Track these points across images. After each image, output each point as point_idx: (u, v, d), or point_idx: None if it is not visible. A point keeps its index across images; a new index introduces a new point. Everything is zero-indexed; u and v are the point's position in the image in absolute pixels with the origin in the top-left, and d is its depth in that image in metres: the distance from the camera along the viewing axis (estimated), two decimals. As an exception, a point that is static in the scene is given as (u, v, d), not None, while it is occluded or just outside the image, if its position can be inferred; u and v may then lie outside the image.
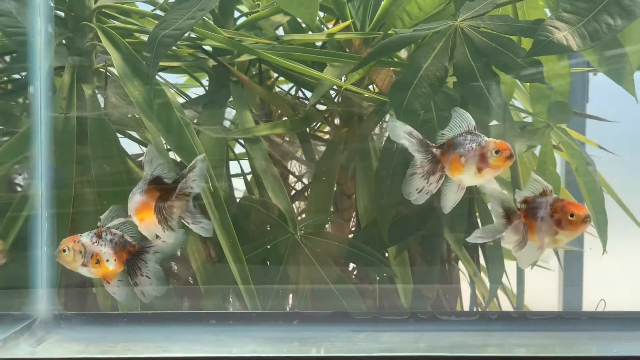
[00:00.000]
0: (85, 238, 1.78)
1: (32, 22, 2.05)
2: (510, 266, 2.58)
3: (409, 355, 1.53)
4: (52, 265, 1.91)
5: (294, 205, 2.68)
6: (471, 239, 1.76)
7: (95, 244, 1.77)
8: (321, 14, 2.67)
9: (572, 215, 1.64)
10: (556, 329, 1.79)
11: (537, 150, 2.55)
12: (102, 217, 1.82)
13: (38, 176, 1.97)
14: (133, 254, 1.79)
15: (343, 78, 2.50)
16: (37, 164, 1.98)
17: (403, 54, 2.57)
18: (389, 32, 2.34)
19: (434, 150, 1.73)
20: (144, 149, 2.61)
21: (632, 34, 2.35)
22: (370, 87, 2.65)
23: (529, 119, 2.60)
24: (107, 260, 1.76)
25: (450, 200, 1.75)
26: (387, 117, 2.52)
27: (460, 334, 1.78)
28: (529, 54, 2.09)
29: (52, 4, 2.11)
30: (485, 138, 1.70)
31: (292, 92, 2.79)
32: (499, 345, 1.68)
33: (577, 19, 2.05)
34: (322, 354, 1.53)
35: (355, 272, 2.63)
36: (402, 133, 1.73)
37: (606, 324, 1.81)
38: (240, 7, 2.69)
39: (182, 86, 2.80)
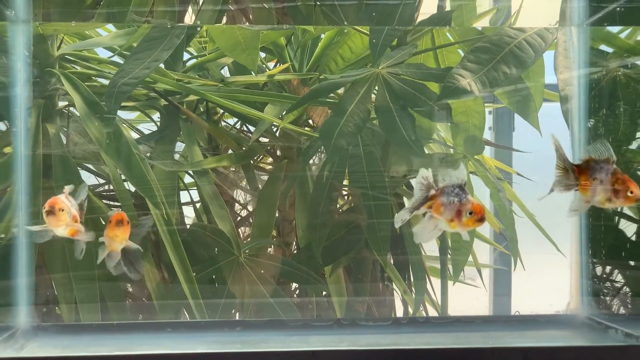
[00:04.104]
0: (66, 201, 2.23)
1: (14, 69, 2.57)
2: (436, 282, 3.21)
3: (332, 349, 2.13)
4: (30, 285, 2.50)
5: (239, 230, 3.25)
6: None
7: (72, 207, 2.25)
8: (263, 54, 3.25)
9: (631, 192, 2.08)
10: (454, 330, 2.42)
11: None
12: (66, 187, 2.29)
13: (20, 207, 2.53)
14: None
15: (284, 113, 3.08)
16: (19, 195, 2.52)
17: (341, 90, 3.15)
18: (320, 77, 2.96)
19: (432, 191, 2.10)
20: (102, 180, 3.17)
21: (534, 75, 3.01)
22: (310, 121, 3.25)
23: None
24: (80, 221, 2.27)
25: (423, 234, 2.17)
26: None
27: (376, 336, 2.37)
28: (439, 97, 2.69)
29: (27, 53, 2.68)
30: (468, 197, 2.06)
31: (237, 125, 3.34)
32: (406, 344, 2.28)
33: (479, 68, 2.66)
34: (259, 349, 2.12)
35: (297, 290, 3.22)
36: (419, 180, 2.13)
37: (495, 325, 2.46)
38: (189, 48, 3.28)
39: (133, 121, 3.36)
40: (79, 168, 2.89)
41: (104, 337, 2.38)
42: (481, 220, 2.06)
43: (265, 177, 3.17)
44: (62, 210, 2.21)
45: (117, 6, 2.71)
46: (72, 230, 2.27)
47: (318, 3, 2.77)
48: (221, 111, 3.22)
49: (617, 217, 2.84)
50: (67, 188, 2.30)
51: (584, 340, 2.38)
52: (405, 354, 2.09)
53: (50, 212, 2.20)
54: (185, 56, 3.15)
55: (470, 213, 2.05)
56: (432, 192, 2.11)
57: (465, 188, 2.09)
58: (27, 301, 2.48)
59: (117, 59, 3.00)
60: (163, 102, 3.05)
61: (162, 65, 2.86)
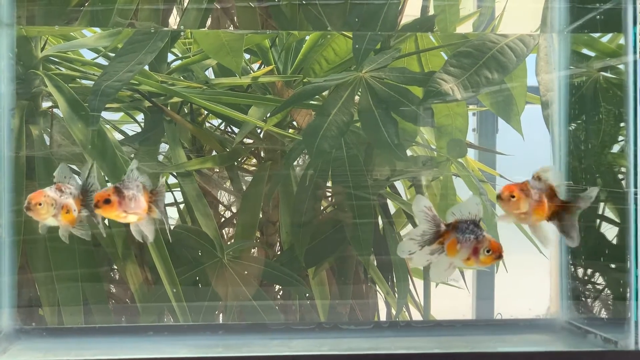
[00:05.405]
0: (52, 193, 2.25)
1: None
2: (419, 283, 3.23)
3: (313, 354, 2.15)
4: (13, 288, 2.51)
5: (223, 231, 3.27)
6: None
7: (63, 197, 2.26)
8: (247, 56, 3.26)
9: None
10: (435, 334, 2.45)
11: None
12: (55, 174, 2.30)
13: (3, 206, 2.54)
14: (82, 202, 2.32)
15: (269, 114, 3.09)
16: (2, 196, 2.53)
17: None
18: (304, 80, 2.97)
19: (443, 226, 2.07)
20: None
21: (516, 78, 3.03)
22: (294, 122, 3.26)
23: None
24: (74, 210, 2.27)
25: (438, 274, 2.13)
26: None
27: (357, 340, 2.40)
28: (421, 101, 2.73)
29: (11, 55, 2.67)
30: (484, 233, 2.04)
31: (222, 127, 3.37)
32: (387, 348, 2.31)
33: (461, 73, 2.69)
34: (241, 354, 2.14)
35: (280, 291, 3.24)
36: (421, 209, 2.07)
37: (475, 329, 2.49)
38: (173, 49, 3.27)
39: (117, 122, 3.35)
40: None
41: (86, 341, 2.40)
42: (499, 257, 2.07)
43: (249, 179, 3.17)
44: (40, 204, 2.22)
45: (102, 5, 2.71)
46: (67, 219, 2.28)
47: (304, 2, 2.78)
48: (205, 112, 3.22)
49: (598, 220, 2.86)
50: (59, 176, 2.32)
51: (563, 345, 2.41)
52: (386, 359, 2.11)
53: (27, 208, 2.22)
54: (170, 57, 3.15)
55: (488, 251, 2.05)
56: (443, 227, 2.08)
57: (480, 224, 2.07)
58: (10, 303, 2.48)
59: (101, 60, 3.00)
60: (147, 103, 3.05)
61: (146, 67, 2.86)
